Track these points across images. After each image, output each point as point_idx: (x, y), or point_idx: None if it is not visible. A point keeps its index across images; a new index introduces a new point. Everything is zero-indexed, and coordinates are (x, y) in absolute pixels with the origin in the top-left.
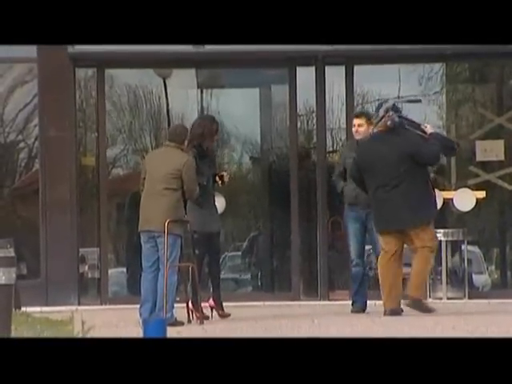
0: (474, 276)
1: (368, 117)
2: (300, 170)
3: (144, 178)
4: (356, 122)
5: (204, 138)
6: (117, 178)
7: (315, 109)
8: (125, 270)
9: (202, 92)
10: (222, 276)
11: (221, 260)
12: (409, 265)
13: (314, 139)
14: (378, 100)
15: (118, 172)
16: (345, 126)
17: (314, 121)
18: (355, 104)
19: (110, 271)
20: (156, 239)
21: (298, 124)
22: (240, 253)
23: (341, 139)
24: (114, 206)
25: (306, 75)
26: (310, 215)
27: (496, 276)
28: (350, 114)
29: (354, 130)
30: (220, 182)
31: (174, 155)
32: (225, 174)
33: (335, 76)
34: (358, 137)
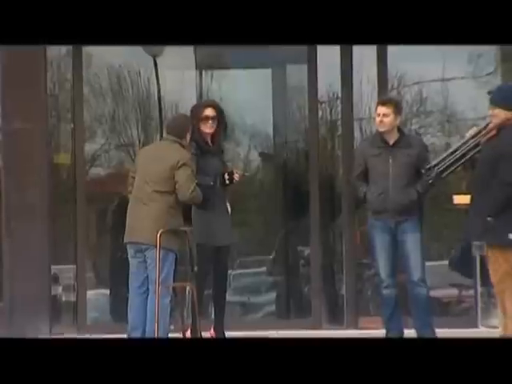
0: None
1: (396, 105)
2: (321, 169)
3: (133, 178)
4: (381, 110)
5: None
6: (97, 179)
7: (340, 94)
8: (108, 291)
9: (201, 74)
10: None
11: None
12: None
13: (339, 131)
14: (418, 83)
15: (98, 171)
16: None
17: (339, 109)
18: (389, 88)
19: (89, 293)
20: (144, 253)
21: (319, 113)
22: (248, 271)
23: (371, 131)
24: (94, 213)
25: (328, 53)
26: (333, 225)
27: None
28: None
29: (377, 120)
30: (228, 180)
31: (169, 151)
32: (235, 171)
33: (364, 54)
34: (382, 129)
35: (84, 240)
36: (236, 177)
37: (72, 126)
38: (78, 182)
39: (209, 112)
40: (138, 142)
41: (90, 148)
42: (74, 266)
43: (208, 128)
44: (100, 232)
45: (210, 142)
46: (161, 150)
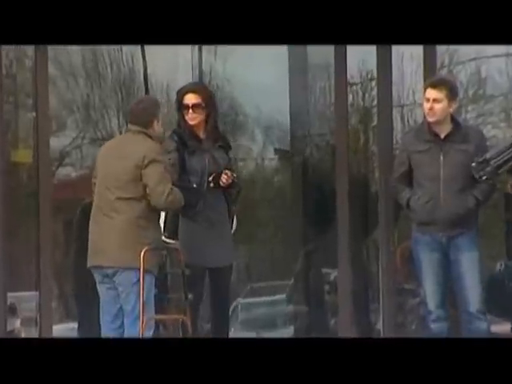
0: None
1: (451, 88)
2: (352, 169)
3: (95, 184)
4: (431, 94)
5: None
6: (67, 182)
7: (376, 75)
8: (76, 325)
9: (199, 50)
10: (230, 335)
11: (230, 310)
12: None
13: (375, 122)
14: (474, 59)
15: (68, 172)
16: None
17: (374, 93)
18: (438, 66)
19: (54, 327)
20: (113, 278)
21: (349, 98)
22: (260, 299)
23: (416, 121)
24: (61, 226)
25: None
26: (367, 240)
27: None
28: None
29: (426, 106)
30: (212, 183)
31: (132, 144)
32: (225, 171)
33: None
34: (431, 118)
35: (49, 260)
36: (224, 178)
37: (34, 115)
38: (41, 185)
39: (189, 99)
40: (118, 134)
41: (57, 143)
42: (37, 293)
43: (190, 119)
44: (69, 250)
45: (198, 135)
46: (122, 145)
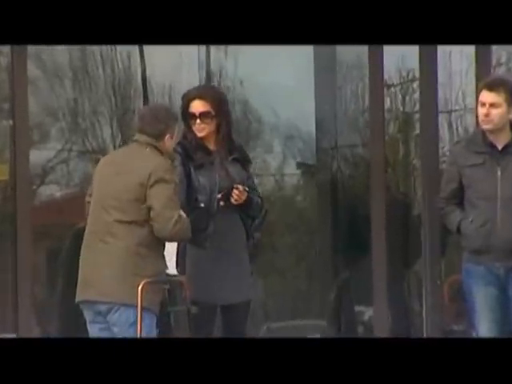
0: None
1: (511, 90)
2: (390, 186)
3: (90, 203)
4: (487, 98)
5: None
6: (49, 204)
7: (418, 74)
8: None
9: (207, 47)
10: None
11: None
12: None
13: (417, 130)
14: None
15: (51, 191)
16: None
17: (416, 96)
18: (493, 64)
19: None
20: (106, 317)
21: (387, 103)
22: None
23: (467, 129)
24: (43, 255)
25: None
26: (408, 273)
27: None
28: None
29: (481, 112)
30: (222, 201)
31: (138, 158)
32: (236, 186)
33: None
34: (487, 125)
35: (28, 297)
36: (235, 194)
37: (11, 122)
38: (19, 207)
39: (196, 107)
40: (112, 147)
41: (38, 156)
42: (14, 336)
43: (198, 130)
44: (53, 286)
45: (208, 147)
46: (125, 158)
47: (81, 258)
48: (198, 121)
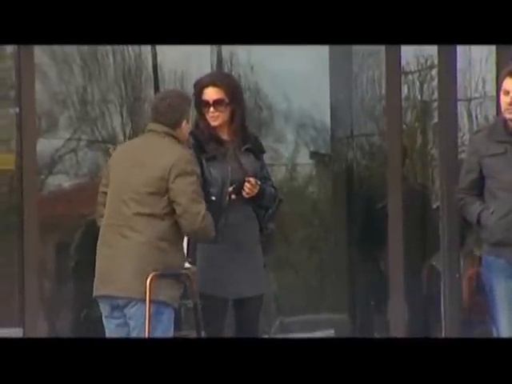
0: None
1: None
2: (407, 177)
3: (104, 194)
4: (510, 85)
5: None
6: (58, 195)
7: (436, 61)
8: None
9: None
10: None
11: None
12: None
13: (435, 119)
14: None
15: (60, 183)
16: (495, 93)
17: (435, 84)
18: None
19: None
20: (124, 311)
21: (403, 92)
22: (290, 337)
23: (487, 118)
24: (51, 250)
25: None
26: (425, 265)
27: None
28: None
29: (505, 100)
30: (234, 193)
31: (157, 150)
32: (247, 179)
33: None
34: (510, 114)
35: (34, 294)
36: (247, 187)
37: (17, 110)
38: (26, 198)
39: (210, 94)
40: (122, 136)
41: (46, 146)
42: (21, 330)
43: (212, 119)
44: (61, 279)
45: (221, 137)
46: (142, 149)
47: (98, 252)
48: (212, 109)
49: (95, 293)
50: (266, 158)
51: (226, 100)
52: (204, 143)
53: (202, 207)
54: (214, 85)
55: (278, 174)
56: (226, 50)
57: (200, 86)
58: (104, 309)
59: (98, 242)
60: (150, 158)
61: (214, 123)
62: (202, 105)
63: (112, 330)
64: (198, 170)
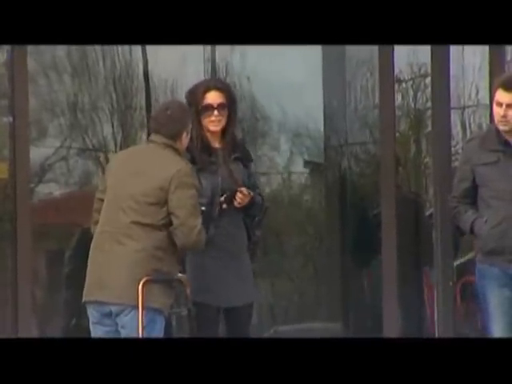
0: None
1: None
2: (401, 186)
3: (101, 201)
4: (504, 98)
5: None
6: (50, 202)
7: (429, 69)
8: None
9: None
10: None
11: None
12: None
13: (428, 127)
14: None
15: (51, 190)
16: (489, 101)
17: (428, 92)
18: (508, 60)
19: None
20: (116, 319)
21: (397, 99)
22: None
23: (480, 125)
24: (43, 258)
25: None
26: (418, 274)
27: None
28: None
29: (498, 112)
30: (225, 203)
31: (158, 160)
32: (240, 189)
33: None
34: (505, 127)
35: (28, 300)
36: (239, 197)
37: (10, 118)
38: (19, 206)
39: (214, 98)
40: (113, 144)
41: (38, 153)
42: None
43: (213, 123)
44: (54, 285)
45: (213, 145)
46: (142, 159)
47: (91, 257)
48: (216, 112)
49: (85, 298)
50: (262, 166)
51: (227, 105)
52: (195, 154)
53: (198, 222)
54: (218, 89)
55: (273, 181)
56: (220, 58)
57: (202, 91)
58: (92, 315)
59: (91, 247)
60: (151, 169)
61: (215, 128)
62: (203, 109)
63: (99, 336)
64: (198, 184)
